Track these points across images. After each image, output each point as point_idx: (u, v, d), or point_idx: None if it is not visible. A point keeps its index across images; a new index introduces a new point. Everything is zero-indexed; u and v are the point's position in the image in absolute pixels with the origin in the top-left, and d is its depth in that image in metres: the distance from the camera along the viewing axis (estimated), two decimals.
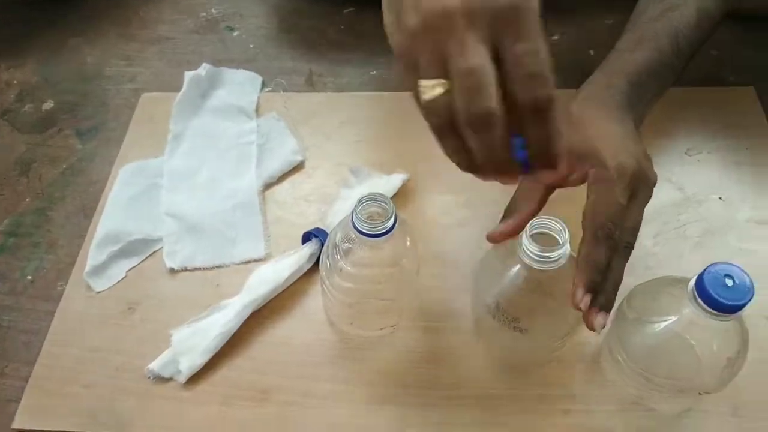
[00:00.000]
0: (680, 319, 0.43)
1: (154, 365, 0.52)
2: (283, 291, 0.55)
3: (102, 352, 0.54)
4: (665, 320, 0.44)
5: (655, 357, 0.46)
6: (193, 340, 0.52)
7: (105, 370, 0.53)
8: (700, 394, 0.45)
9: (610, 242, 0.43)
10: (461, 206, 0.61)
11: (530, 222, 0.43)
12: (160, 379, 0.52)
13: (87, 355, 0.53)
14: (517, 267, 0.44)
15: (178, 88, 0.73)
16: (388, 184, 0.61)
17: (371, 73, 0.73)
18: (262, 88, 0.72)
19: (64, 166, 0.67)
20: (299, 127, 0.68)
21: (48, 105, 0.73)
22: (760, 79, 0.68)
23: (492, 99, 0.33)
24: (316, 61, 0.75)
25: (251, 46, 0.78)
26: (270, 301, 0.55)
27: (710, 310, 0.40)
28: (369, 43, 0.76)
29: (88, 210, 0.63)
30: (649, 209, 0.59)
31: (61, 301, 0.57)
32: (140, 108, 0.71)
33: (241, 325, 0.54)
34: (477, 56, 0.33)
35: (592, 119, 0.47)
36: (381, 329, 0.53)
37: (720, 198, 0.60)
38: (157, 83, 0.74)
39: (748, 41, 0.72)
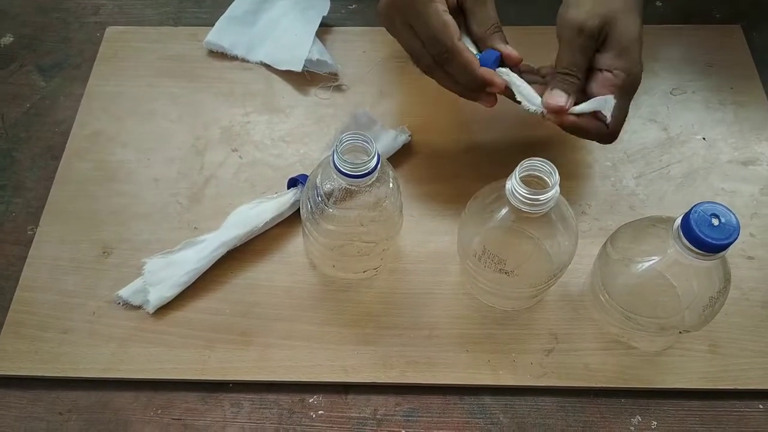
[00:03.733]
0: (664, 259, 0.43)
1: (124, 292, 0.52)
2: (263, 233, 0.54)
3: (78, 297, 0.52)
4: (649, 260, 0.45)
5: (637, 297, 0.46)
6: (165, 273, 0.52)
7: (82, 315, 0.52)
8: (680, 332, 0.46)
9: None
10: (445, 146, 0.60)
11: (519, 164, 0.42)
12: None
13: (62, 300, 0.52)
14: (505, 210, 0.44)
15: (144, 22, 0.69)
16: (392, 140, 0.58)
17: (350, 7, 0.70)
18: None
19: (28, 105, 0.64)
20: None
21: (7, 39, 0.69)
22: (746, 17, 0.67)
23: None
24: None
25: None
26: (250, 244, 0.54)
27: (695, 249, 0.40)
28: None
29: (56, 151, 0.60)
30: (632, 149, 0.59)
31: (32, 246, 0.55)
32: (106, 43, 0.67)
33: (220, 268, 0.53)
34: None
35: None
36: (364, 272, 0.52)
37: (703, 138, 0.60)
38: (122, 16, 0.70)
39: None
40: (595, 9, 0.49)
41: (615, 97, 0.48)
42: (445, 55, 0.50)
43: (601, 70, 0.50)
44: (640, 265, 0.45)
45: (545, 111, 0.49)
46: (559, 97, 0.48)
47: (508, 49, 0.52)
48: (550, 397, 0.49)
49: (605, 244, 0.48)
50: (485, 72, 0.50)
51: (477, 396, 0.49)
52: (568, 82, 0.49)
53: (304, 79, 0.64)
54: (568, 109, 0.49)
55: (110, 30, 0.68)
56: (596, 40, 0.49)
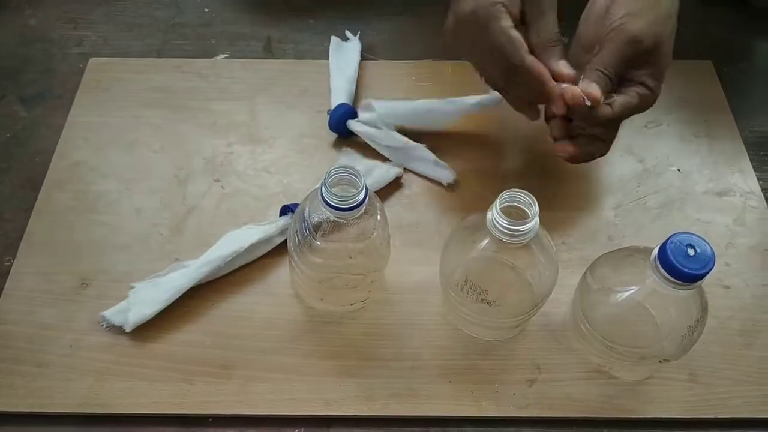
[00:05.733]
0: (642, 289, 0.44)
1: (108, 312, 0.51)
2: (247, 264, 0.54)
3: (54, 329, 0.51)
4: (627, 290, 0.45)
5: (617, 326, 0.47)
6: (148, 292, 0.51)
7: (58, 348, 0.51)
8: (660, 361, 0.46)
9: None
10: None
11: (500, 195, 0.43)
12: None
13: (38, 333, 0.51)
14: (486, 240, 0.44)
15: (128, 53, 0.70)
16: (384, 172, 0.59)
17: None
18: (217, 54, 0.70)
19: (8, 135, 0.64)
20: (257, 96, 0.66)
21: None
22: (717, 54, 0.69)
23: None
24: (276, 27, 0.72)
25: (206, 9, 0.74)
26: (231, 275, 0.54)
27: (672, 279, 0.40)
28: (330, 9, 0.74)
29: (35, 182, 0.60)
30: (610, 181, 0.60)
31: (9, 277, 0.54)
32: (88, 74, 0.67)
33: (201, 300, 0.53)
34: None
35: None
36: (351, 304, 0.52)
37: (678, 170, 0.61)
38: (106, 48, 0.71)
39: (708, 15, 0.73)
40: (650, 28, 0.50)
41: (633, 107, 0.51)
42: (514, 70, 0.51)
43: (632, 80, 0.52)
44: (620, 294, 0.45)
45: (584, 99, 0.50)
46: (596, 91, 0.50)
47: (560, 66, 0.52)
48: (533, 427, 0.49)
49: (585, 273, 0.48)
50: (554, 86, 0.51)
51: (460, 427, 0.49)
52: (604, 81, 0.51)
53: (288, 110, 0.64)
54: (600, 102, 0.50)
55: (93, 61, 0.68)
56: (642, 57, 0.51)
